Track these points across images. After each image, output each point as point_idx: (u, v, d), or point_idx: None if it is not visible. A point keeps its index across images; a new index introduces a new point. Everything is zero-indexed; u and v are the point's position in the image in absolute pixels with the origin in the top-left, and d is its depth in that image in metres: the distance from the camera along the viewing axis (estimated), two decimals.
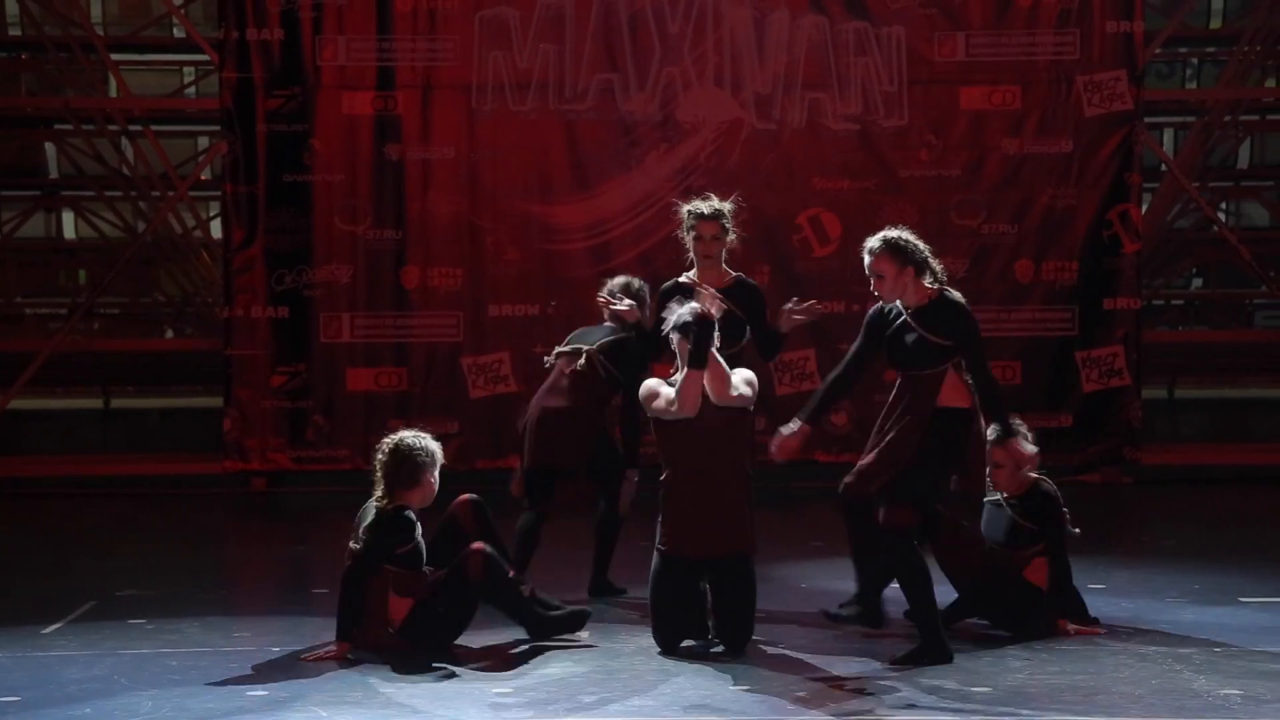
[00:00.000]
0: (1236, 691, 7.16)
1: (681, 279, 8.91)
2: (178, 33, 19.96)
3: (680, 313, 7.95)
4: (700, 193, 9.45)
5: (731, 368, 8.34)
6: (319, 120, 14.39)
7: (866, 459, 7.99)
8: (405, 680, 7.54)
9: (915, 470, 7.78)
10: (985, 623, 8.41)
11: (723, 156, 14.36)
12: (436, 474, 8.21)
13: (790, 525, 12.08)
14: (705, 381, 7.90)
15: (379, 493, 8.16)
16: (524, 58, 14.36)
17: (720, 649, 8.02)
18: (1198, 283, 23.24)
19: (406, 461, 8.13)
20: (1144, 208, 15.66)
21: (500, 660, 7.94)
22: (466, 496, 8.41)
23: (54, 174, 21.71)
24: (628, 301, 9.08)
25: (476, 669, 7.77)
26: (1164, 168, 17.37)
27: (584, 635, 8.41)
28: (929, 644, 7.75)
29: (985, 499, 8.48)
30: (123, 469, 15.26)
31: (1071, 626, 8.32)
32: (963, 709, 6.95)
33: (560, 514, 9.41)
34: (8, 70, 19.82)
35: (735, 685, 7.41)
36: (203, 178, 18.75)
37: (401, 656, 7.89)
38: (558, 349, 9.56)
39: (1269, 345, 18.72)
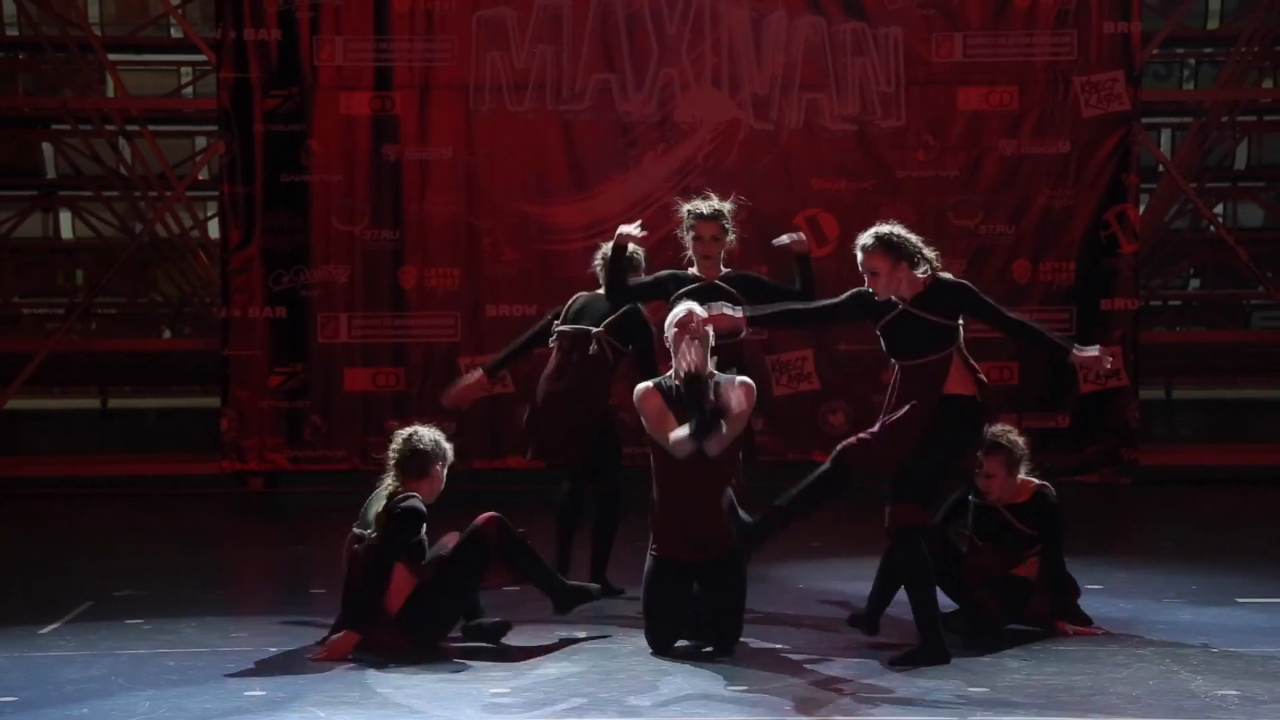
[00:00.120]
0: (1234, 692, 7.16)
1: (675, 311, 8.69)
2: (175, 33, 19.95)
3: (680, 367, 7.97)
4: (700, 192, 9.46)
5: (729, 361, 8.37)
6: (316, 120, 14.40)
7: (870, 429, 7.91)
8: (403, 680, 7.54)
9: (920, 462, 7.74)
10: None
11: (720, 157, 14.36)
12: (445, 469, 8.33)
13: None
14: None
15: (389, 481, 8.23)
16: (521, 58, 14.37)
17: (710, 649, 8.02)
18: (1195, 283, 23.22)
19: (419, 451, 8.25)
20: (1141, 208, 15.65)
21: (497, 660, 7.94)
22: (492, 515, 8.33)
23: (51, 174, 21.69)
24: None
25: (473, 669, 7.76)
26: (1161, 168, 17.38)
27: (580, 634, 8.42)
28: (928, 644, 7.74)
29: (972, 499, 8.47)
30: (120, 469, 15.26)
31: (1070, 628, 8.32)
32: (960, 709, 6.95)
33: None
34: (5, 70, 19.81)
35: (732, 686, 7.41)
36: (200, 178, 18.73)
37: (398, 652, 7.91)
38: (559, 326, 9.56)
39: (1266, 346, 18.72)
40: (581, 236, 14.14)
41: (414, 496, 8.17)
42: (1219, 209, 21.29)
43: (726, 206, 9.11)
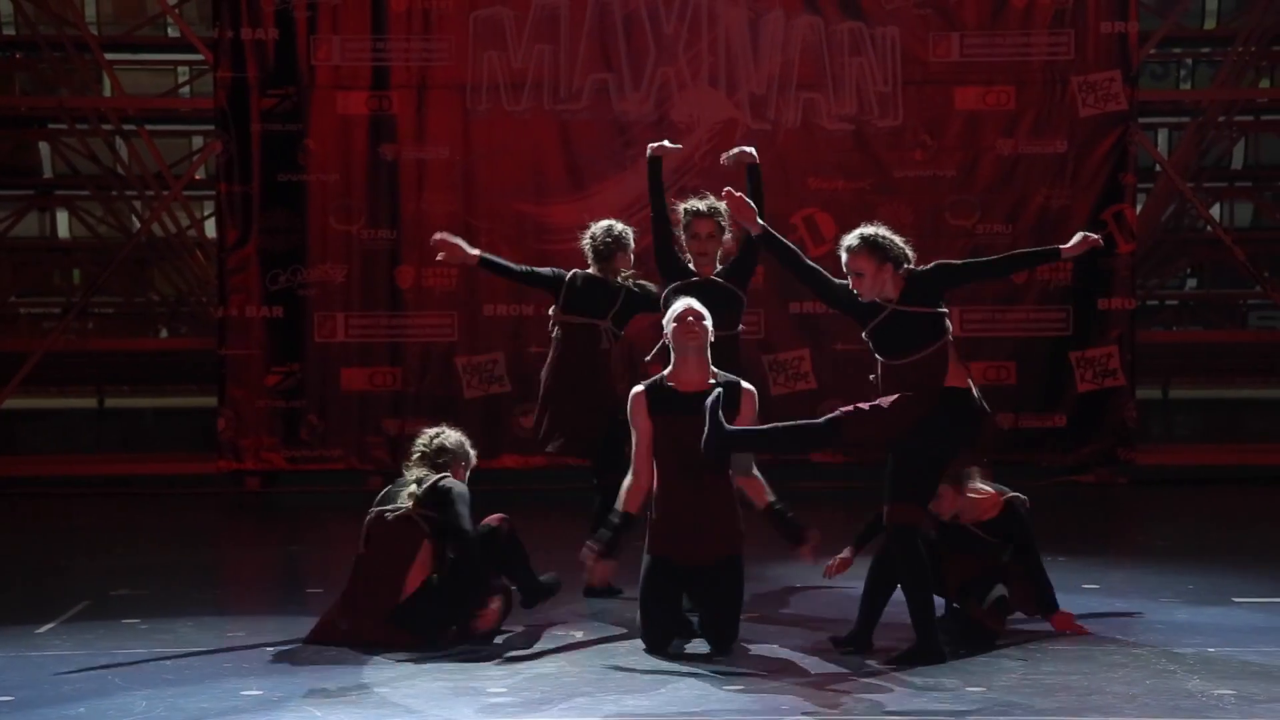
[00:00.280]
0: (1230, 691, 7.16)
1: (675, 307, 8.63)
2: (172, 32, 19.96)
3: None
4: (697, 192, 9.48)
5: (727, 358, 8.38)
6: (313, 120, 14.39)
7: (870, 402, 7.90)
8: (400, 680, 7.54)
9: (917, 453, 7.73)
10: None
11: (717, 157, 14.27)
12: (468, 472, 8.57)
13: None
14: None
15: (415, 473, 8.40)
16: (519, 58, 14.36)
17: (706, 649, 8.02)
18: (1192, 283, 23.24)
19: (445, 449, 8.49)
20: (1138, 208, 15.65)
21: (495, 660, 7.94)
22: (503, 517, 8.49)
23: (48, 173, 21.69)
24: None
25: (470, 669, 7.76)
26: (1158, 168, 17.38)
27: (578, 635, 8.43)
28: (924, 644, 7.74)
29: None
30: (117, 469, 15.25)
31: (1065, 624, 8.34)
32: (958, 709, 6.95)
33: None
34: (2, 70, 19.81)
35: (730, 686, 7.41)
36: (197, 177, 18.73)
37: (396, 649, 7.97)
38: (562, 316, 9.57)
39: (1263, 345, 18.73)
40: (578, 236, 14.14)
41: (448, 476, 8.38)
42: (1215, 209, 21.30)
43: (723, 205, 9.12)
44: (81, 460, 16.15)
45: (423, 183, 14.44)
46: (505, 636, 8.32)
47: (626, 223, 9.82)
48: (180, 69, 21.85)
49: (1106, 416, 14.38)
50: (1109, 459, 14.43)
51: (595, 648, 8.21)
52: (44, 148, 21.22)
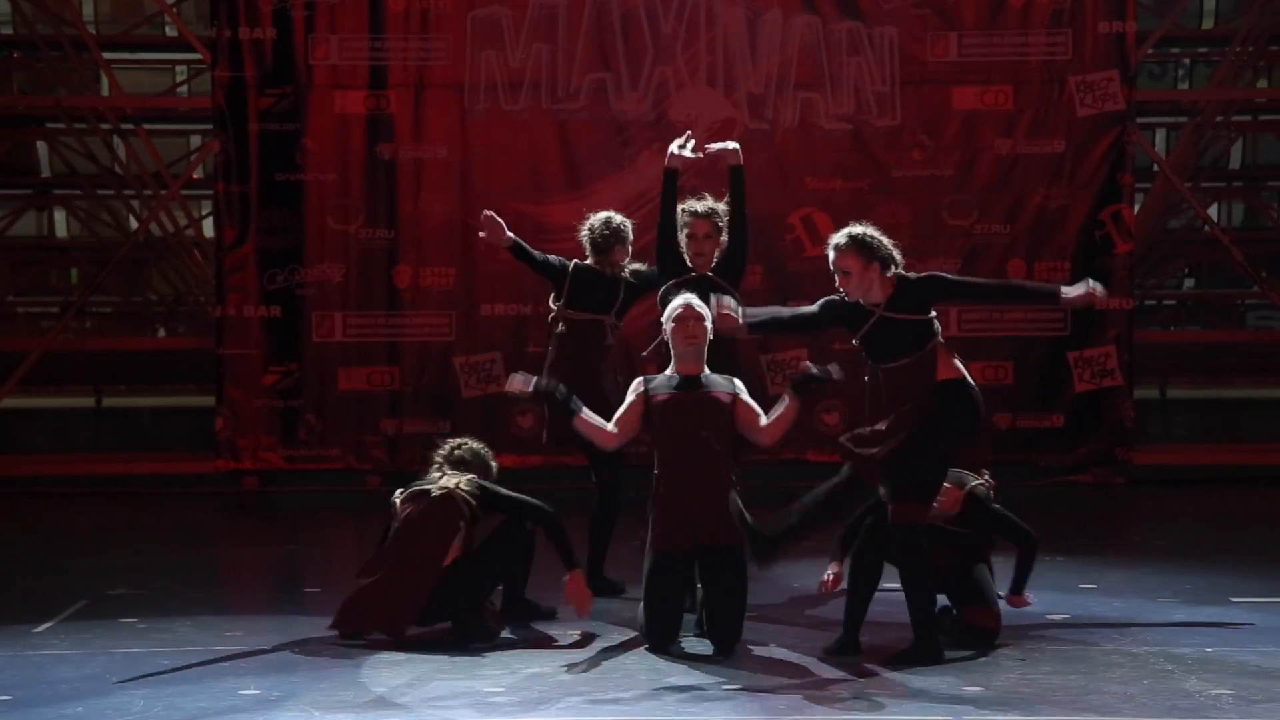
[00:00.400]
0: (1228, 691, 7.16)
1: (673, 304, 8.63)
2: (170, 31, 19.97)
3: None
4: (695, 192, 9.49)
5: (725, 362, 8.42)
6: (311, 119, 14.38)
7: (872, 440, 7.89)
8: (397, 679, 7.54)
9: (919, 452, 7.73)
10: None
11: (715, 156, 14.31)
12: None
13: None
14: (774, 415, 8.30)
15: (449, 474, 8.56)
16: (516, 57, 14.35)
17: (710, 649, 8.02)
18: (1190, 283, 23.27)
19: (466, 461, 8.67)
20: (1136, 208, 15.66)
21: (491, 659, 7.94)
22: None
23: (46, 173, 21.69)
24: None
25: (468, 668, 7.76)
26: (1156, 168, 17.39)
27: (576, 635, 8.43)
28: (922, 644, 7.74)
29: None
30: (114, 468, 15.24)
31: (1021, 599, 8.32)
32: (955, 708, 6.95)
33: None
34: (0, 69, 19.80)
35: (727, 685, 7.41)
36: (195, 176, 18.74)
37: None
38: (565, 311, 9.55)
39: (1261, 345, 18.75)
40: (576, 236, 14.15)
41: (474, 478, 8.56)
42: (1213, 209, 21.31)
43: (720, 206, 9.15)
44: (79, 460, 16.13)
45: (420, 182, 14.44)
46: (503, 636, 8.32)
47: (626, 218, 9.81)
48: (178, 68, 21.87)
49: (1104, 416, 14.37)
50: (1107, 459, 14.43)
51: (593, 648, 8.21)
52: (42, 147, 21.23)
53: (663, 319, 8.37)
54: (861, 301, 7.94)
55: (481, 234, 9.77)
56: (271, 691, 7.32)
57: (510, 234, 9.64)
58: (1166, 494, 14.16)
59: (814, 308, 8.15)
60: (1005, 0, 14.35)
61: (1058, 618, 8.77)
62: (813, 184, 14.40)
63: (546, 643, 8.28)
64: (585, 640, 8.34)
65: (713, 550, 8.04)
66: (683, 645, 8.10)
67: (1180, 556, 10.85)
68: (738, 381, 8.36)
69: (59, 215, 22.71)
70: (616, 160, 14.37)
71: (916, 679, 7.43)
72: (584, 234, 9.66)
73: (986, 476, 8.52)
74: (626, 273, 9.66)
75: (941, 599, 8.12)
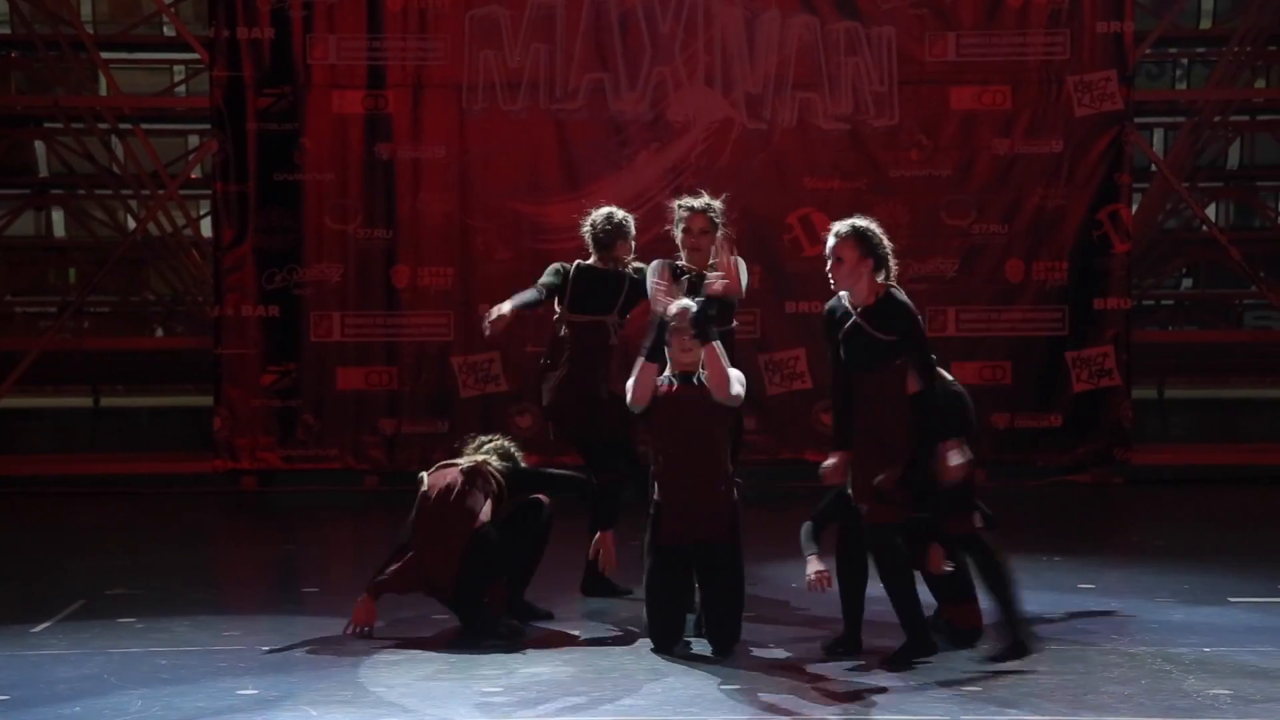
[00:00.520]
0: (1226, 691, 7.17)
1: (678, 262, 8.93)
2: (168, 31, 19.94)
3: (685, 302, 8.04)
4: (692, 191, 9.49)
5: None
6: (309, 119, 14.38)
7: (866, 475, 7.88)
8: (395, 679, 7.54)
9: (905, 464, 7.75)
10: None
11: (713, 156, 14.35)
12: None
13: (781, 524, 12.03)
14: (705, 370, 8.06)
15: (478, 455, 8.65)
16: (515, 57, 14.35)
17: (709, 649, 8.02)
18: (1187, 283, 23.28)
19: (502, 450, 8.73)
20: (1134, 208, 15.66)
21: (490, 659, 7.94)
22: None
23: (44, 172, 21.68)
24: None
25: (466, 668, 7.76)
26: (1154, 168, 17.39)
27: (574, 634, 8.43)
28: (914, 640, 7.75)
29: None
30: (112, 468, 15.24)
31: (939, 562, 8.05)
32: (953, 708, 6.95)
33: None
34: None
35: (725, 685, 7.41)
36: (193, 176, 18.73)
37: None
38: (570, 316, 9.51)
39: (1258, 345, 18.76)
40: (574, 235, 14.09)
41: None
42: (1211, 209, 21.32)
43: (717, 203, 9.16)
44: (77, 459, 16.13)
45: (419, 182, 14.43)
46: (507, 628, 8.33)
47: (629, 214, 9.77)
48: (176, 68, 21.85)
49: (1102, 416, 14.38)
50: (1105, 459, 14.43)
51: (591, 647, 8.21)
52: (39, 147, 21.22)
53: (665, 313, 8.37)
54: (847, 303, 7.93)
55: (489, 334, 9.62)
56: (269, 691, 7.32)
57: (506, 308, 9.40)
58: (1164, 494, 14.16)
59: (830, 350, 8.12)
60: (1003, 0, 14.36)
61: (1055, 618, 8.76)
62: (811, 184, 14.41)
63: (545, 643, 8.28)
64: (584, 641, 8.34)
65: (711, 547, 8.05)
66: (688, 644, 8.10)
67: (1178, 556, 10.85)
68: (734, 372, 8.27)
69: (57, 215, 22.69)
70: (615, 160, 14.37)
71: (915, 678, 7.43)
72: (586, 229, 9.61)
73: None
74: (631, 269, 9.59)
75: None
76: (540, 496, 8.66)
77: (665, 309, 8.19)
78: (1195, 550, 11.14)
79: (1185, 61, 22.08)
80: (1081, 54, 14.35)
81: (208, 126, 15.19)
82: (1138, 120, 15.44)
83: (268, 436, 14.40)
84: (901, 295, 7.93)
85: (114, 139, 18.63)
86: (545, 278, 9.61)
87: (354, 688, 7.40)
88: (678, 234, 9.18)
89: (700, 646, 8.10)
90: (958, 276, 14.28)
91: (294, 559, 11.78)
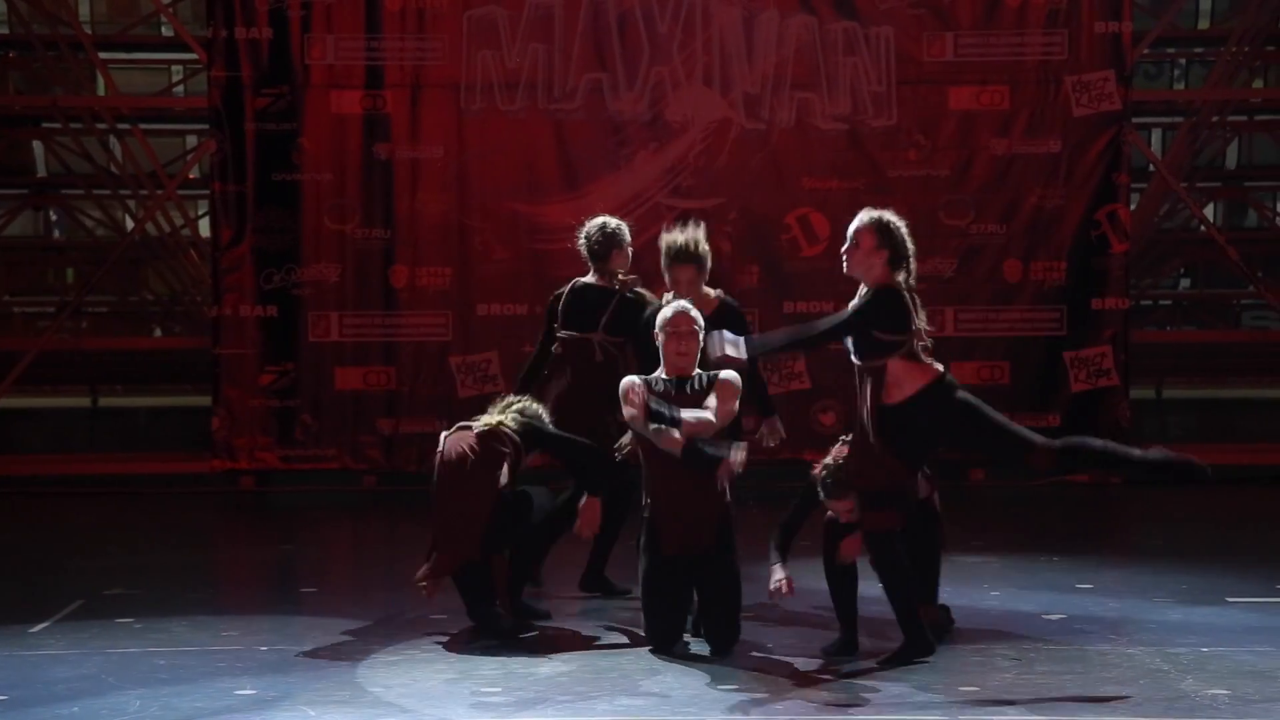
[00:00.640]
0: (1224, 691, 7.16)
1: (665, 311, 8.37)
2: (166, 31, 19.94)
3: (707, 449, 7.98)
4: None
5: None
6: (307, 119, 14.39)
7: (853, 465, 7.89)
8: (393, 679, 7.54)
9: (890, 465, 7.73)
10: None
11: (712, 156, 14.36)
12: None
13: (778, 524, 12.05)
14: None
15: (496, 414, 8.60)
16: (513, 57, 14.36)
17: (707, 649, 8.02)
18: (1185, 283, 23.27)
19: (527, 410, 8.67)
20: (1132, 208, 15.66)
21: (488, 659, 7.94)
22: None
23: (42, 172, 21.67)
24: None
25: (464, 668, 7.76)
26: (1152, 168, 17.39)
27: (573, 633, 8.43)
28: (911, 641, 7.75)
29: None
30: (110, 468, 15.23)
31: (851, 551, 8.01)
32: (950, 708, 6.95)
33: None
34: None
35: (723, 685, 7.41)
36: (191, 176, 18.73)
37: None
38: (559, 332, 9.46)
39: (1256, 345, 18.74)
40: (573, 236, 14.06)
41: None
42: (1209, 209, 21.31)
43: (703, 242, 8.89)
44: (75, 459, 16.13)
45: (417, 182, 14.44)
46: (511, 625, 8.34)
47: (622, 221, 9.71)
48: (174, 68, 21.83)
49: (1100, 416, 14.37)
50: None
51: (590, 647, 8.21)
52: (38, 147, 21.20)
53: (656, 329, 8.30)
54: (856, 276, 7.91)
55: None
56: (267, 691, 7.32)
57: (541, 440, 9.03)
58: (1162, 494, 14.15)
59: (837, 319, 8.02)
60: (1001, 0, 14.36)
61: (1053, 618, 8.77)
62: (809, 184, 14.41)
63: (544, 643, 8.28)
64: (582, 640, 8.34)
65: (707, 557, 8.03)
66: (687, 644, 8.10)
67: (1176, 556, 10.86)
68: (727, 374, 8.20)
69: (55, 215, 22.67)
70: (613, 160, 14.38)
71: (913, 679, 7.43)
72: (581, 243, 9.50)
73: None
74: (628, 289, 9.35)
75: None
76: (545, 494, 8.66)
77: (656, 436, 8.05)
78: (1193, 550, 11.14)
79: (1183, 62, 22.08)
80: (1079, 54, 14.36)
81: (206, 127, 15.19)
82: (1136, 120, 15.44)
83: (266, 436, 14.41)
84: (899, 290, 7.84)
85: (112, 139, 18.62)
86: (549, 328, 9.55)
87: (352, 688, 7.40)
88: (666, 276, 8.94)
89: (699, 646, 8.10)
90: (956, 276, 14.29)
91: (292, 559, 11.78)
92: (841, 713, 6.95)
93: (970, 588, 9.52)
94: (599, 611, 8.98)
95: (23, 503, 14.19)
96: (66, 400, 20.99)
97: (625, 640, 8.27)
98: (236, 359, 14.41)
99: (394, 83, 14.42)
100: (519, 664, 7.83)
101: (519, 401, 8.78)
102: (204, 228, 17.85)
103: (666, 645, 8.03)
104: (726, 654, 7.96)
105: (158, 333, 21.77)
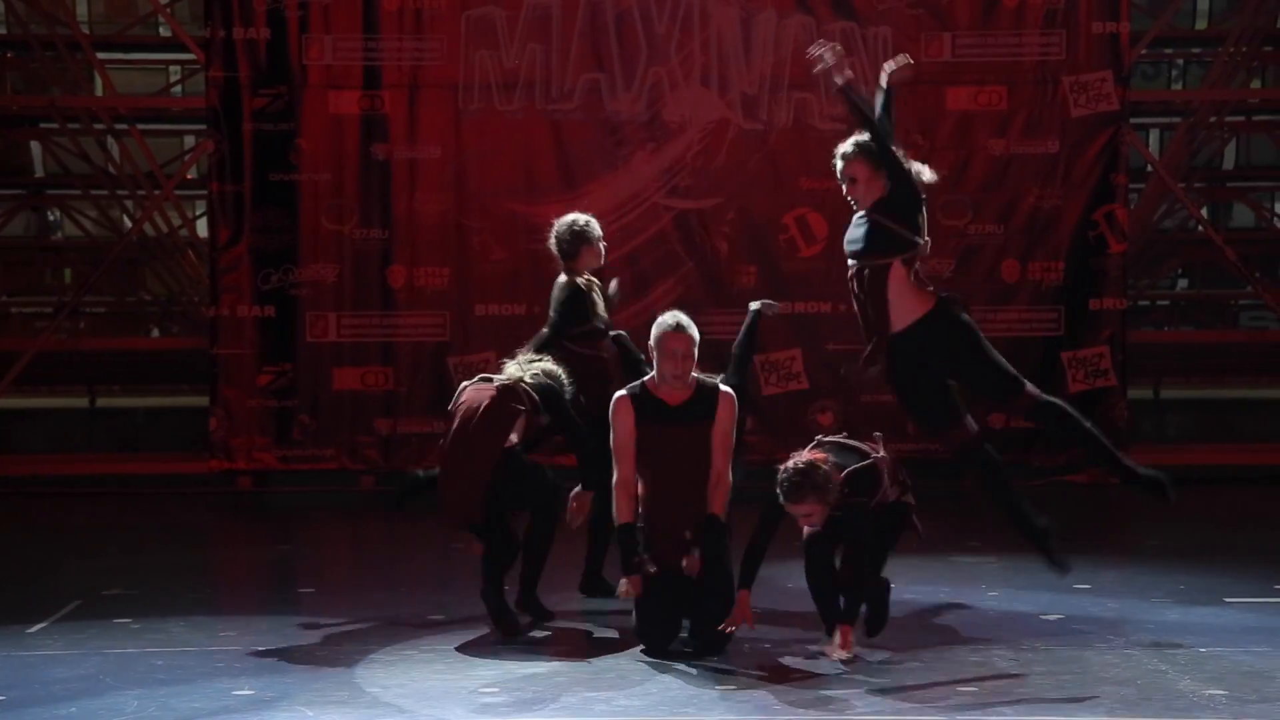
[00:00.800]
0: (1221, 691, 7.17)
1: (663, 323, 8.16)
2: (164, 31, 19.93)
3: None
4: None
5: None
6: (305, 119, 14.39)
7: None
8: (391, 679, 7.54)
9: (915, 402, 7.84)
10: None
11: (709, 156, 14.36)
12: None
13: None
14: None
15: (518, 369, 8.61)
16: (511, 57, 14.36)
17: (702, 649, 8.02)
18: (1183, 283, 23.27)
19: (549, 373, 8.67)
20: (1130, 208, 15.67)
21: (487, 659, 7.94)
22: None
23: (40, 173, 21.66)
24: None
25: (462, 668, 7.76)
26: (1150, 168, 17.39)
27: (571, 634, 8.43)
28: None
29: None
30: (108, 468, 15.23)
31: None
32: (949, 708, 6.95)
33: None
34: None
35: (721, 685, 7.41)
36: (189, 176, 18.71)
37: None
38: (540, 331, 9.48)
39: (1254, 345, 18.74)
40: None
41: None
42: (1207, 209, 21.31)
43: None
44: (73, 460, 16.13)
45: (415, 182, 14.44)
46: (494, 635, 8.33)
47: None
48: (172, 68, 21.81)
49: (1098, 417, 14.32)
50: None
51: (588, 647, 8.21)
52: (35, 147, 21.19)
53: (650, 340, 8.23)
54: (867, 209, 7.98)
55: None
56: (266, 692, 7.32)
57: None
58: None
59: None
60: (999, 1, 14.37)
61: (1051, 618, 8.77)
62: (807, 184, 14.41)
63: (543, 643, 8.28)
64: (581, 641, 8.34)
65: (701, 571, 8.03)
66: (681, 646, 8.09)
67: (1174, 556, 10.86)
68: (723, 389, 8.16)
69: (53, 215, 22.66)
70: (611, 160, 14.38)
71: (911, 679, 7.43)
72: (550, 243, 9.48)
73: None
74: (597, 287, 9.33)
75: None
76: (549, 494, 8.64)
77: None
78: (1191, 550, 11.14)
79: (1181, 62, 22.07)
80: (1077, 54, 14.37)
81: (203, 127, 15.19)
82: (1133, 121, 15.46)
83: (264, 437, 14.41)
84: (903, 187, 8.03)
85: (110, 139, 18.61)
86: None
87: (350, 688, 7.40)
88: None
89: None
90: (954, 276, 14.27)
91: (290, 559, 11.78)
92: (840, 712, 6.95)
93: (969, 588, 9.53)
94: (597, 613, 8.97)
95: (20, 503, 14.20)
96: (64, 400, 20.96)
97: (624, 641, 8.26)
98: (234, 359, 14.41)
99: (392, 83, 14.42)
100: (518, 664, 7.83)
101: (542, 361, 8.75)
102: (202, 228, 17.84)
103: (659, 650, 7.99)
104: (719, 653, 7.92)
105: (155, 333, 21.76)
